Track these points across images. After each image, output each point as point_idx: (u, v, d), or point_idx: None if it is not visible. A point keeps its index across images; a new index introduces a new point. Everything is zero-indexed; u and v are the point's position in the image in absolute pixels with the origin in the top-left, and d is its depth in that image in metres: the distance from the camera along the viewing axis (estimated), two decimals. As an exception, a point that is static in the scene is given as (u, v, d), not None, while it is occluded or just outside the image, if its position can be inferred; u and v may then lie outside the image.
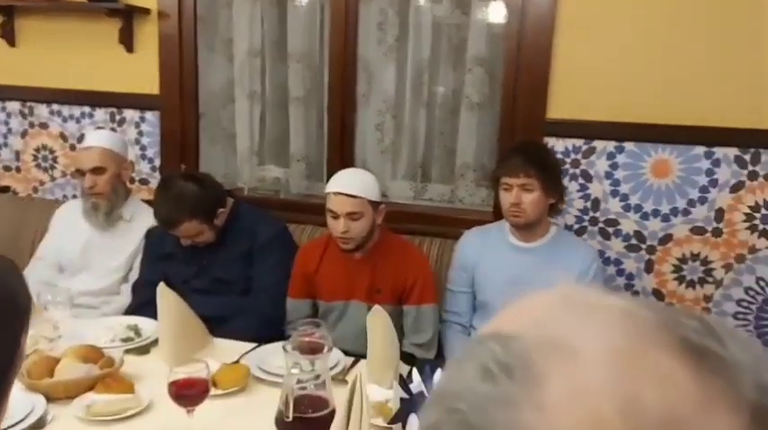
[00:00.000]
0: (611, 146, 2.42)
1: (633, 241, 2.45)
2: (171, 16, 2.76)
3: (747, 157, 2.31)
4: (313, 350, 1.44)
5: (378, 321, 1.55)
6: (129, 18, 2.75)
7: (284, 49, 2.76)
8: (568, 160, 2.46)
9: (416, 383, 1.29)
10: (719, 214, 2.36)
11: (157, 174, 2.89)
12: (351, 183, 2.00)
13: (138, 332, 1.85)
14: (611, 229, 2.46)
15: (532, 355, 0.33)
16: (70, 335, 1.69)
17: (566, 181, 2.35)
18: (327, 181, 2.75)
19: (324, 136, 2.79)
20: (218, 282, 2.21)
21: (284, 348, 1.38)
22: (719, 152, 2.33)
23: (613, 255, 2.47)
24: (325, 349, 1.44)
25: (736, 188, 2.33)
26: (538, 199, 2.00)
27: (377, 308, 1.61)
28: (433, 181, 2.71)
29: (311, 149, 2.85)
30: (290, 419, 1.26)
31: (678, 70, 2.30)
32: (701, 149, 2.34)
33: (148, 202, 2.42)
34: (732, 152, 2.32)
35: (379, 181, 2.63)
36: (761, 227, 2.33)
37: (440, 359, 2.10)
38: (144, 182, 2.94)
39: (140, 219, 2.44)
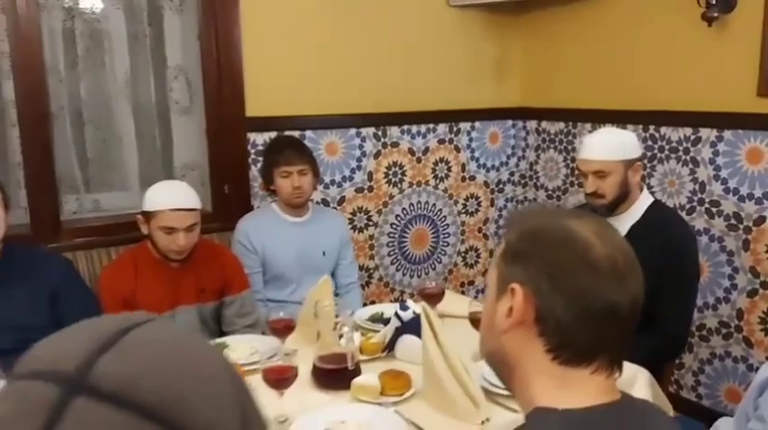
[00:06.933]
0: (295, 134, 3.02)
1: (333, 205, 3.14)
2: None
3: (380, 133, 3.28)
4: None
5: (327, 288, 1.86)
6: None
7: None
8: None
9: (408, 312, 1.76)
10: (370, 175, 3.28)
11: None
12: (186, 198, 2.07)
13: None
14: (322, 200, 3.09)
15: None
16: None
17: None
18: (29, 205, 2.51)
19: (9, 155, 2.47)
20: (22, 332, 1.88)
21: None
22: (365, 131, 3.23)
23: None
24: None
25: (377, 155, 3.29)
26: (311, 180, 2.50)
27: (325, 278, 1.90)
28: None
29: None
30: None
31: (338, 70, 3.06)
32: (353, 131, 3.20)
33: None
34: (371, 130, 3.25)
35: (88, 195, 2.63)
36: (393, 180, 3.37)
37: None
38: None
39: None
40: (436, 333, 1.55)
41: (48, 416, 0.41)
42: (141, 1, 2.61)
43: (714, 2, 2.44)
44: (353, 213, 3.25)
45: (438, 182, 3.51)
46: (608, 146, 2.03)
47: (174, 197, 2.06)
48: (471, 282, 3.73)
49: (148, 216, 2.07)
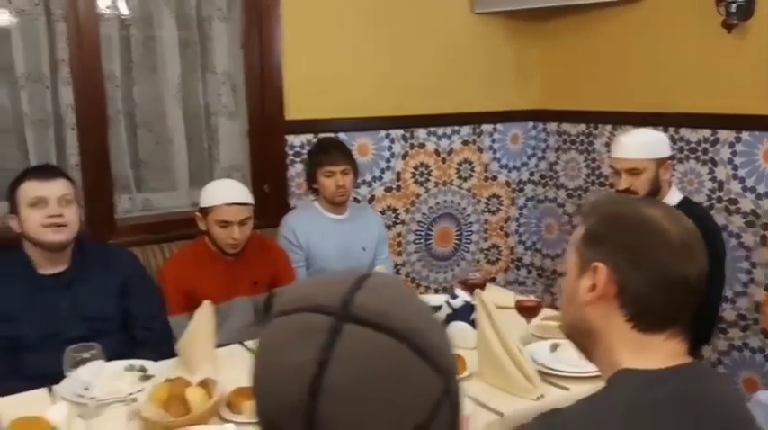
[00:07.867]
0: (329, 136, 3.16)
1: (362, 202, 3.28)
2: None
3: (408, 135, 3.42)
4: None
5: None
6: None
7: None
8: (303, 151, 3.09)
9: (458, 300, 1.89)
10: (398, 175, 3.42)
11: None
12: (239, 194, 2.22)
13: (143, 369, 1.70)
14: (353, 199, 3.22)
15: None
16: (101, 393, 1.50)
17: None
18: (86, 204, 2.66)
19: (67, 156, 2.61)
20: (94, 322, 2.02)
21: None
22: (393, 133, 3.37)
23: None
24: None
25: (405, 156, 3.43)
26: (353, 179, 2.64)
27: (381, 267, 2.03)
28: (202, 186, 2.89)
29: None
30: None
31: (369, 76, 3.20)
32: (383, 133, 3.34)
33: None
34: (399, 132, 3.39)
35: (139, 195, 2.77)
36: (419, 179, 3.51)
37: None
38: None
39: None
40: (491, 316, 1.68)
41: (327, 337, 0.55)
42: (191, 10, 2.74)
43: (734, 10, 2.59)
44: (382, 212, 3.39)
45: (462, 181, 3.65)
46: (641, 145, 2.17)
47: (229, 193, 2.21)
48: (493, 279, 3.87)
49: (206, 212, 2.21)
